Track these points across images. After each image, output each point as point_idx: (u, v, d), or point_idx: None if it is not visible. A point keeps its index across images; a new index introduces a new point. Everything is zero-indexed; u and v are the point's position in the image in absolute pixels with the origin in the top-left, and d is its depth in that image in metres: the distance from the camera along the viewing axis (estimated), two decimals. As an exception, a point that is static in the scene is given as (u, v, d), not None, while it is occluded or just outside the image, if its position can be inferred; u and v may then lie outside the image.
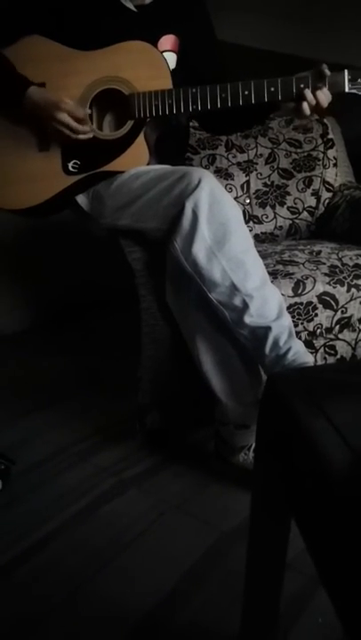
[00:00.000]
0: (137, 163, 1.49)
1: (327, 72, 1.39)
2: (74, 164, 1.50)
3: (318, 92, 1.39)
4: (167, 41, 1.55)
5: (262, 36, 2.52)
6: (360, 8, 2.37)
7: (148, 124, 1.49)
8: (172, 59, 1.55)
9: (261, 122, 1.94)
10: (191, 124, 2.00)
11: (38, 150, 1.52)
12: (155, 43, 1.52)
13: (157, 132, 1.55)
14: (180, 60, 1.57)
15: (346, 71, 1.38)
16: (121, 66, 1.47)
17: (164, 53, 1.53)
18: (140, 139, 1.49)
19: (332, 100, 1.41)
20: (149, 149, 1.50)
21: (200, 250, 1.31)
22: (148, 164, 1.50)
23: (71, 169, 1.51)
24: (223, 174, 2.00)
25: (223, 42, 1.75)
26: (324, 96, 1.40)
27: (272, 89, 1.40)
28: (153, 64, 1.48)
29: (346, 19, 2.41)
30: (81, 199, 1.56)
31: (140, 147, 1.49)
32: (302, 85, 1.39)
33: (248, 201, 2.01)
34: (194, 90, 1.43)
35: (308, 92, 1.39)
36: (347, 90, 1.39)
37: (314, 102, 1.39)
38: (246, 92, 1.41)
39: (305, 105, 1.40)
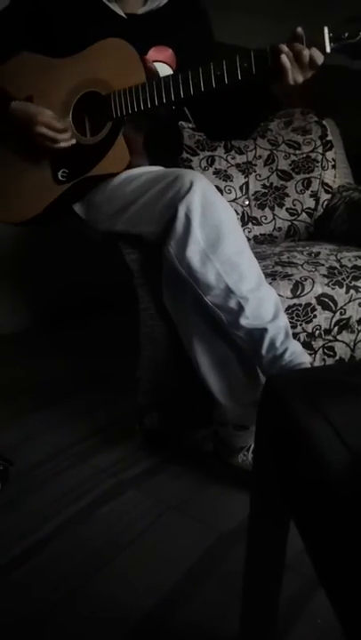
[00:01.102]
0: (117, 165, 1.47)
1: (301, 32, 1.28)
2: (62, 172, 1.51)
3: (300, 54, 1.26)
4: (160, 52, 1.52)
5: (261, 36, 2.52)
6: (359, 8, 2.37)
7: (129, 123, 1.47)
8: (163, 70, 1.52)
9: (262, 115, 1.79)
10: (189, 125, 2.00)
11: (31, 163, 1.53)
12: (145, 51, 1.49)
13: (143, 131, 1.53)
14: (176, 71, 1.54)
15: (326, 28, 1.24)
16: (97, 67, 1.46)
17: (156, 64, 1.50)
18: (120, 139, 1.47)
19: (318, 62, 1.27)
20: (137, 150, 1.50)
21: (194, 253, 1.31)
22: (140, 166, 1.50)
23: (60, 178, 1.51)
24: (222, 176, 2.00)
25: (222, 43, 1.74)
26: (306, 53, 1.26)
27: (245, 64, 1.29)
28: (126, 60, 1.44)
29: (338, 17, 2.41)
30: (78, 208, 1.57)
31: (119, 148, 1.47)
32: (279, 53, 1.26)
33: (247, 202, 2.01)
34: (166, 79, 1.38)
35: (283, 46, 1.27)
36: (328, 50, 1.25)
37: (291, 54, 1.26)
38: (218, 73, 1.32)
39: (283, 58, 1.25)
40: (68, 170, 1.51)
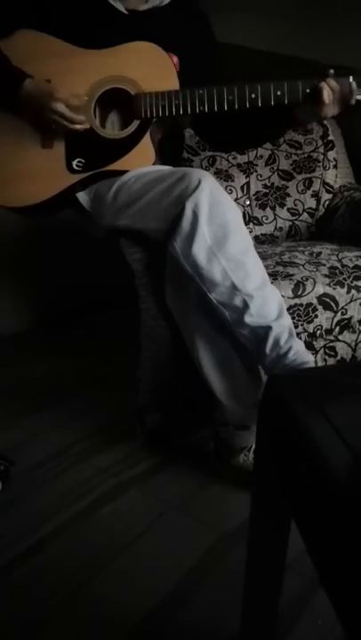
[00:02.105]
0: (143, 162, 1.49)
1: (331, 72, 1.38)
2: (78, 162, 1.50)
3: (331, 84, 1.37)
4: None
5: (264, 37, 2.52)
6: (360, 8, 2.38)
7: (154, 124, 1.49)
8: None
9: (275, 137, 1.91)
10: (186, 133, 1.99)
11: (41, 147, 1.51)
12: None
13: (161, 133, 1.55)
14: (178, 74, 1.53)
15: (351, 77, 1.37)
16: (127, 65, 1.47)
17: None
18: (147, 138, 1.48)
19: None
20: (155, 149, 1.50)
21: (200, 250, 1.31)
22: (153, 164, 1.50)
23: (75, 167, 1.50)
24: (223, 176, 2.00)
25: (224, 43, 1.74)
26: (337, 86, 1.37)
27: (278, 93, 1.39)
28: (159, 64, 1.47)
29: (349, 20, 2.41)
30: (82, 197, 1.56)
31: (146, 146, 1.49)
32: (308, 90, 1.38)
33: (248, 202, 2.01)
34: (200, 91, 1.42)
35: (323, 84, 1.36)
36: (353, 103, 1.38)
37: (337, 88, 1.36)
38: (253, 95, 1.40)
39: (325, 93, 1.36)
40: (84, 160, 1.50)
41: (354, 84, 1.37)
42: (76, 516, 1.40)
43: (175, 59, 1.51)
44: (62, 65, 1.47)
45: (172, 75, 1.47)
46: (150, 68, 1.46)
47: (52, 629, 1.11)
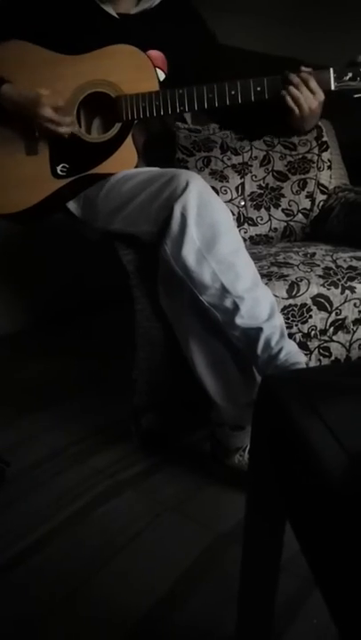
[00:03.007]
0: (125, 165, 1.49)
1: (310, 71, 1.41)
2: (62, 167, 1.51)
3: (305, 90, 1.40)
4: (154, 57, 1.53)
5: (260, 38, 2.53)
6: (357, 9, 2.38)
7: (136, 126, 1.50)
8: (159, 76, 1.53)
9: (278, 134, 1.95)
10: (185, 125, 2.00)
11: (26, 154, 1.52)
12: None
13: (145, 135, 1.55)
14: (169, 77, 1.56)
15: (331, 69, 1.40)
16: (107, 69, 1.48)
17: None
18: (128, 141, 1.49)
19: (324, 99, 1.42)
20: (137, 152, 1.50)
21: (189, 252, 1.31)
22: (136, 167, 1.51)
23: (60, 172, 1.51)
24: (218, 176, 2.00)
25: (226, 46, 1.76)
26: (312, 92, 1.40)
27: (258, 88, 1.41)
28: (139, 66, 1.48)
29: (344, 21, 2.42)
30: (72, 206, 1.57)
31: (128, 149, 1.49)
32: (288, 84, 1.40)
33: (243, 203, 2.01)
34: (180, 91, 1.43)
35: (293, 77, 1.40)
36: (333, 88, 1.40)
37: (302, 98, 1.40)
38: (233, 92, 1.42)
39: (290, 102, 1.40)
40: (68, 165, 1.50)
41: (332, 74, 1.40)
42: (72, 517, 1.40)
43: (159, 56, 1.53)
44: (46, 73, 1.48)
45: (151, 76, 1.47)
46: (130, 71, 1.47)
47: (49, 629, 1.11)
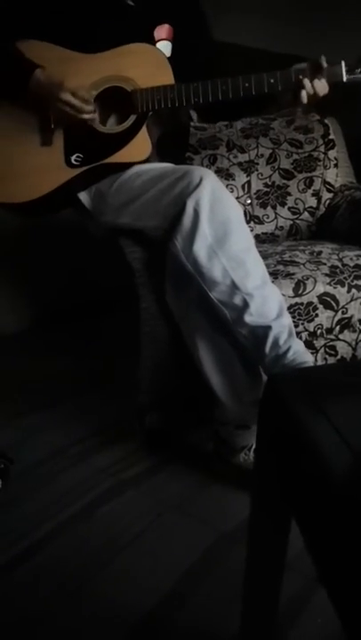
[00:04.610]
0: (139, 154, 1.50)
1: (325, 64, 1.42)
2: (77, 157, 1.51)
3: (316, 82, 1.42)
4: (162, 30, 1.58)
5: (262, 36, 2.52)
6: (358, 8, 2.38)
7: (151, 119, 1.51)
8: (167, 47, 1.58)
9: (258, 111, 1.98)
10: (192, 123, 2.00)
11: (41, 145, 1.53)
12: (151, 33, 1.56)
13: (160, 130, 1.56)
14: (175, 47, 1.60)
15: (343, 62, 1.43)
16: (123, 66, 1.50)
17: (160, 42, 1.57)
18: (143, 131, 1.50)
19: (329, 91, 1.44)
20: (152, 144, 1.50)
21: (201, 248, 1.31)
22: (150, 162, 1.51)
23: (74, 162, 1.51)
24: (224, 174, 1.99)
25: (223, 42, 1.77)
26: (322, 85, 1.43)
27: (272, 80, 1.44)
28: (155, 62, 1.50)
29: (345, 19, 2.41)
30: (83, 197, 1.57)
31: (142, 139, 1.50)
32: (301, 76, 1.42)
33: (249, 201, 2.01)
34: (195, 84, 1.45)
35: (306, 82, 1.42)
36: (345, 80, 1.42)
37: (312, 91, 1.42)
38: (247, 84, 1.44)
39: (303, 93, 1.43)
40: (83, 155, 1.51)
41: (344, 66, 1.42)
42: (75, 516, 1.40)
43: (167, 26, 1.58)
44: (60, 69, 1.49)
45: (167, 72, 1.49)
46: (146, 67, 1.49)
47: (51, 628, 1.11)
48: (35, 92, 1.47)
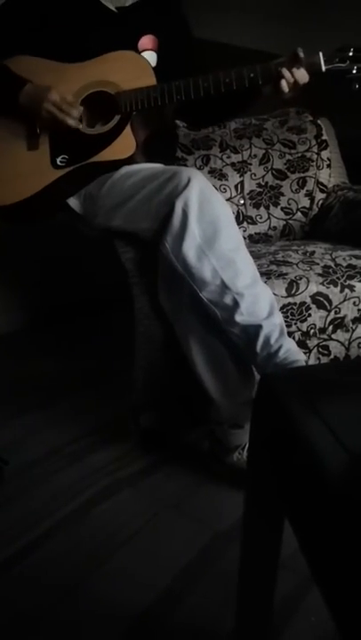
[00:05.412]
0: (123, 152, 1.51)
1: (301, 54, 1.44)
2: (62, 158, 1.53)
3: (295, 70, 1.44)
4: (147, 40, 1.61)
5: (248, 35, 2.53)
6: (347, 9, 2.38)
7: (136, 119, 1.52)
8: (152, 57, 1.61)
9: (243, 110, 1.94)
10: (182, 125, 2.01)
11: (27, 150, 1.55)
12: (136, 42, 1.58)
13: (146, 131, 1.57)
14: (160, 57, 1.62)
15: (320, 53, 1.45)
16: (108, 71, 1.53)
17: (146, 52, 1.60)
18: (127, 130, 1.52)
19: (309, 79, 1.46)
20: (137, 145, 1.52)
21: (190, 248, 1.32)
22: (136, 162, 1.52)
23: (59, 163, 1.53)
24: (217, 175, 2.00)
25: (208, 41, 1.80)
26: (301, 74, 1.44)
27: (252, 75, 1.45)
28: (138, 67, 1.53)
29: (333, 18, 2.42)
30: (73, 202, 1.58)
31: (126, 137, 1.52)
32: (280, 67, 1.44)
33: (242, 201, 2.01)
34: (177, 83, 1.48)
35: (285, 71, 1.43)
36: (323, 69, 1.44)
37: (292, 79, 1.44)
38: (227, 80, 1.46)
39: (283, 82, 1.44)
40: (68, 156, 1.53)
41: (322, 57, 1.44)
42: (71, 515, 1.40)
43: (152, 37, 1.61)
44: (52, 78, 1.53)
45: (150, 74, 1.52)
46: (129, 71, 1.52)
47: (48, 627, 1.11)
48: (24, 105, 1.50)
